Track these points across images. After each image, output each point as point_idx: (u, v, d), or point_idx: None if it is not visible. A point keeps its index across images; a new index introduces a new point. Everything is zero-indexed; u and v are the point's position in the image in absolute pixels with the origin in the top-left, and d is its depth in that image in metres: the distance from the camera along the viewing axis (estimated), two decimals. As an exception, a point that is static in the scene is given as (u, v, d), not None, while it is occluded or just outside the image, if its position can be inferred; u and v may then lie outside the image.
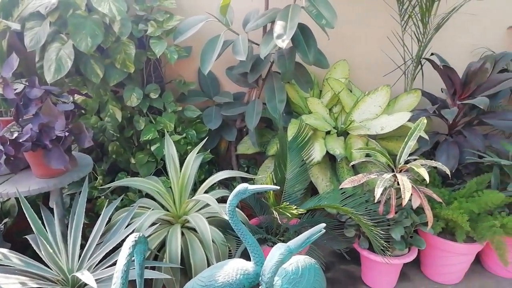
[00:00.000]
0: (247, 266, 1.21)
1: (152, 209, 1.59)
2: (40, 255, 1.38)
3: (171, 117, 1.97)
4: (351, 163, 1.73)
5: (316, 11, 1.70)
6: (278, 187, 1.25)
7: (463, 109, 2.14)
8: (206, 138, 2.15)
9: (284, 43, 1.66)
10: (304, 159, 1.91)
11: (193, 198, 1.62)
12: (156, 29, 1.86)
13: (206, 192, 1.79)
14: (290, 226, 1.86)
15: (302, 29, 1.84)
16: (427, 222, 1.64)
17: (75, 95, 1.84)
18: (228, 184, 2.22)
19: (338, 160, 1.93)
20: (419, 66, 2.25)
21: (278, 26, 1.69)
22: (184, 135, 2.01)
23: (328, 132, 2.07)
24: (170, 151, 1.81)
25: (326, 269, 2.03)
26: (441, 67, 2.10)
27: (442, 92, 2.36)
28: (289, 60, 1.90)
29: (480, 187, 1.90)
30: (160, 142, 1.93)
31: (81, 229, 1.42)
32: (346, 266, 2.06)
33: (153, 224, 1.59)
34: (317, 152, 1.93)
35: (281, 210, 1.52)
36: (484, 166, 2.08)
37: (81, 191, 1.56)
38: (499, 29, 2.50)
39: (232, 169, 2.31)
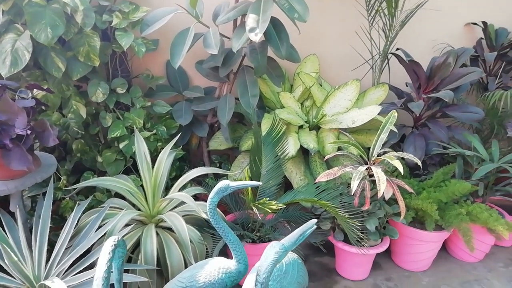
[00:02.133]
0: (229, 264, 1.18)
1: (125, 210, 1.51)
2: (2, 263, 1.27)
3: (139, 113, 1.89)
4: (325, 158, 1.74)
5: (288, 5, 1.69)
6: (260, 183, 1.22)
7: (427, 102, 2.22)
8: (176, 134, 2.08)
9: (257, 36, 1.63)
10: (279, 153, 1.90)
11: (167, 196, 1.55)
12: (122, 20, 1.77)
13: (180, 190, 1.74)
14: (266, 221, 1.85)
15: (274, 22, 1.82)
16: (400, 212, 1.69)
17: (34, 90, 1.71)
18: (200, 181, 2.16)
19: (312, 154, 1.93)
20: (386, 61, 2.30)
21: (251, 20, 1.66)
22: (154, 131, 1.93)
23: (300, 127, 2.07)
24: (141, 148, 1.73)
25: (301, 263, 2.04)
26: (407, 61, 2.16)
27: (407, 86, 2.44)
28: (261, 54, 1.88)
29: (446, 177, 1.98)
30: (129, 139, 1.85)
31: (47, 234, 1.32)
32: (321, 258, 2.08)
33: (127, 225, 1.52)
34: (291, 147, 1.93)
35: (260, 206, 1.50)
36: (448, 157, 2.17)
37: (45, 193, 1.46)
38: (458, 25, 2.62)
39: (204, 166, 2.26)
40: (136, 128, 1.86)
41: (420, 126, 2.31)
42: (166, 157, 1.72)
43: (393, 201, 1.81)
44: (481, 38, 2.63)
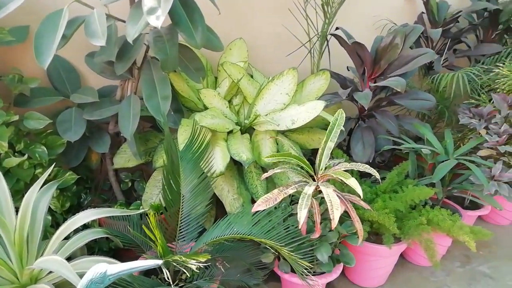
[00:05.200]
0: None
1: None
2: None
3: (1, 133, 1.34)
4: (262, 177, 1.36)
5: (198, -25, 1.24)
6: (160, 262, 0.81)
7: (374, 90, 1.93)
8: (66, 153, 1.58)
9: (159, 20, 1.18)
10: (205, 170, 1.49)
11: (32, 266, 1.07)
12: (-47, 0, 1.19)
13: (66, 238, 1.26)
14: (193, 259, 1.44)
15: (183, 0, 1.36)
16: (356, 232, 1.38)
17: None
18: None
19: (246, 166, 1.55)
20: (325, 43, 1.96)
21: (149, -4, 1.20)
22: (26, 156, 1.40)
23: (230, 131, 1.67)
24: (-2, 187, 1.21)
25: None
26: (350, 43, 1.83)
27: (348, 70, 2.13)
28: (170, 42, 1.41)
29: (401, 177, 1.72)
30: (-13, 172, 1.30)
31: None
32: (265, 284, 1.74)
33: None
34: (219, 161, 1.52)
35: (175, 264, 1.09)
36: (399, 152, 1.92)
37: None
38: (397, -2, 2.36)
39: (111, 186, 1.78)
40: (0, 153, 1.33)
41: (366, 116, 2.03)
42: (40, 195, 1.22)
43: (344, 215, 1.50)
44: (423, 13, 2.40)
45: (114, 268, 0.74)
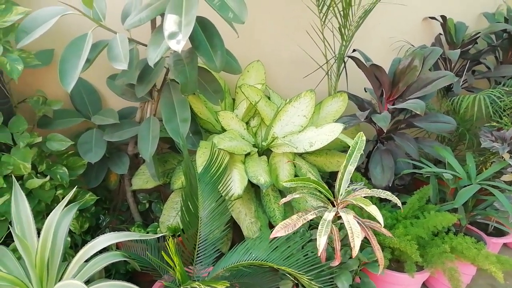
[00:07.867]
0: None
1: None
2: None
3: (25, 154, 1.36)
4: (281, 202, 1.34)
5: (219, 2, 1.26)
6: None
7: (392, 112, 1.91)
8: (86, 174, 1.60)
9: (179, 45, 1.19)
10: (222, 193, 1.48)
11: None
12: (-16, 27, 1.24)
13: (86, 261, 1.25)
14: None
15: (203, 24, 1.39)
16: (377, 259, 1.34)
17: None
18: (124, 228, 1.69)
19: (264, 190, 1.54)
20: (343, 65, 1.96)
21: (170, 22, 1.22)
22: (48, 177, 1.42)
23: (248, 153, 1.66)
24: (20, 207, 1.22)
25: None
26: (367, 65, 1.83)
27: (366, 91, 2.12)
28: (190, 66, 1.43)
29: (422, 202, 1.68)
30: (10, 193, 1.32)
31: None
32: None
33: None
34: (237, 184, 1.51)
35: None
36: (420, 175, 1.88)
37: None
38: (415, 20, 2.36)
39: (129, 207, 1.78)
40: (22, 174, 1.35)
41: (385, 139, 2.00)
42: (59, 219, 1.23)
43: (364, 241, 1.46)
44: (440, 34, 2.39)
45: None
